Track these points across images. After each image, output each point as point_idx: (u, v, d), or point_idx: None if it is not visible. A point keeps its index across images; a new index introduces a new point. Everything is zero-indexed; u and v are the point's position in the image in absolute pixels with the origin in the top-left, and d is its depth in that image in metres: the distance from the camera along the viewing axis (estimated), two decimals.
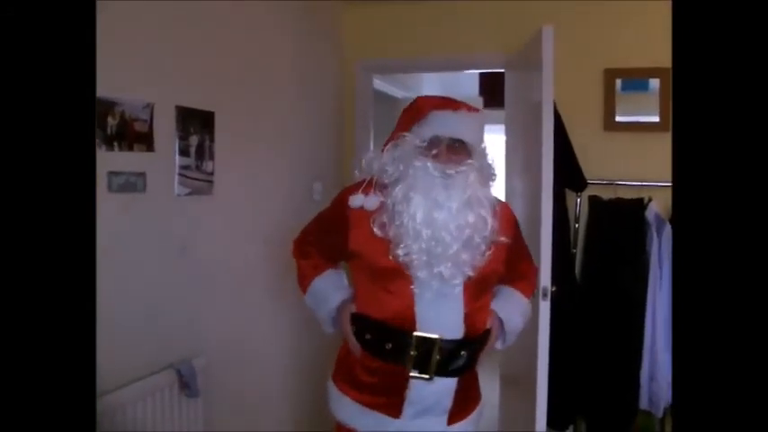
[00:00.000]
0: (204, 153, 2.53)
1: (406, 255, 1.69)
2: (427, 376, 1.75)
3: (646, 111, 3.28)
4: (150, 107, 2.22)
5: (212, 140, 2.57)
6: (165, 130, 2.32)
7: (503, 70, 3.51)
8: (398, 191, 1.72)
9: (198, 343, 2.52)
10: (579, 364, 3.12)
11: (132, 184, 2.16)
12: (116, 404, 2.05)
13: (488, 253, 1.75)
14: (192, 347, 2.47)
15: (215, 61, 2.61)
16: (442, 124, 1.77)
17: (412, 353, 1.73)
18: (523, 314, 2.02)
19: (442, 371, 1.77)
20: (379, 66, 3.88)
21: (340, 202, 1.87)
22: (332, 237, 1.90)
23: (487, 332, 1.89)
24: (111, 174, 2.07)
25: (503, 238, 1.80)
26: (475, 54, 3.62)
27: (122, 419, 2.07)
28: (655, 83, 3.25)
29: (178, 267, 2.42)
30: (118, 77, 2.07)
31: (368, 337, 1.82)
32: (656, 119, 3.25)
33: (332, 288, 1.97)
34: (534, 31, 2.74)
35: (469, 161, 1.75)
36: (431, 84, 5.84)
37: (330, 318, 1.96)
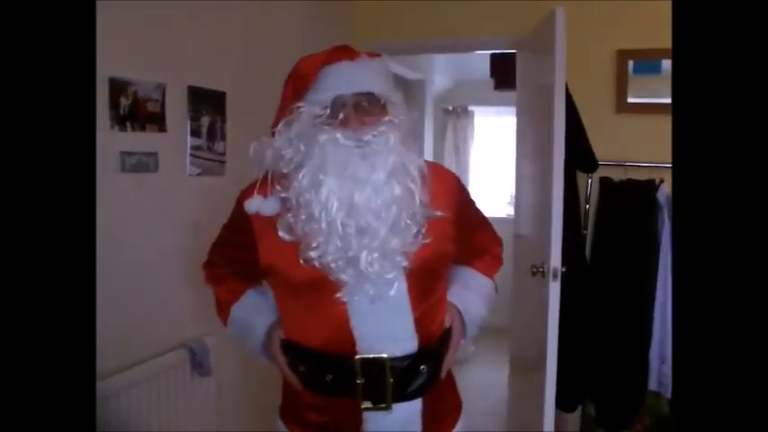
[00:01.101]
0: (216, 133, 2.54)
1: (320, 257, 1.32)
2: (383, 405, 1.40)
3: (658, 92, 3.26)
4: (162, 87, 2.23)
5: (224, 121, 2.58)
6: (177, 111, 2.33)
7: (514, 51, 3.49)
8: (303, 176, 1.34)
9: (210, 321, 2.52)
10: (589, 345, 3.12)
11: (145, 163, 2.17)
12: (129, 382, 2.08)
13: (422, 232, 1.38)
14: (204, 326, 2.49)
15: (227, 42, 2.61)
16: (342, 80, 1.39)
17: (359, 381, 1.38)
18: (485, 297, 1.67)
19: (401, 395, 1.42)
20: (390, 47, 3.86)
21: (239, 210, 1.50)
22: (240, 253, 1.54)
23: (448, 333, 1.53)
24: (124, 154, 2.08)
25: (438, 213, 1.41)
26: (485, 35, 3.60)
27: (136, 397, 2.10)
28: (667, 64, 3.22)
29: (190, 246, 2.44)
30: (130, 58, 2.08)
31: (302, 369, 1.47)
32: (667, 100, 3.22)
33: (254, 313, 1.62)
34: (545, 12, 2.72)
35: (387, 118, 1.39)
36: (441, 65, 5.83)
37: (261, 348, 1.59)
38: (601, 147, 3.19)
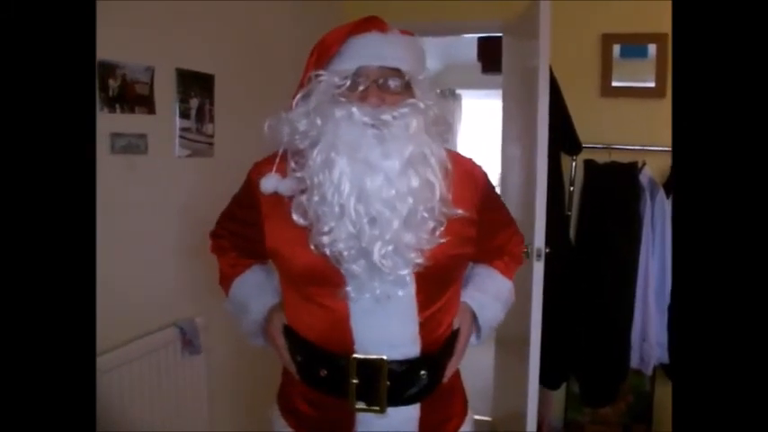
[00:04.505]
0: (204, 116, 2.56)
1: (332, 242, 1.22)
2: (377, 408, 1.33)
3: (642, 76, 3.30)
4: (151, 70, 2.24)
5: (212, 103, 2.60)
6: (166, 93, 2.34)
7: (500, 35, 3.52)
8: (317, 154, 1.24)
9: (200, 301, 2.57)
10: (572, 324, 3.18)
11: (134, 145, 2.19)
12: (119, 361, 2.10)
13: (440, 231, 1.28)
14: (194, 306, 2.52)
15: (215, 24, 2.62)
16: (368, 51, 1.30)
17: (353, 381, 1.31)
18: (503, 299, 1.58)
19: (396, 399, 1.34)
20: None
21: (249, 186, 1.43)
22: (245, 229, 1.49)
23: (454, 336, 1.44)
24: (114, 135, 2.10)
25: (459, 211, 1.30)
26: (473, 19, 3.62)
27: (127, 376, 2.13)
28: (653, 48, 3.26)
29: (180, 227, 2.47)
30: (119, 40, 2.09)
31: (299, 359, 1.41)
32: (651, 84, 3.27)
33: (255, 292, 1.56)
34: None
35: (411, 100, 1.28)
36: (428, 47, 5.81)
37: (258, 328, 1.54)
38: (585, 130, 3.24)
